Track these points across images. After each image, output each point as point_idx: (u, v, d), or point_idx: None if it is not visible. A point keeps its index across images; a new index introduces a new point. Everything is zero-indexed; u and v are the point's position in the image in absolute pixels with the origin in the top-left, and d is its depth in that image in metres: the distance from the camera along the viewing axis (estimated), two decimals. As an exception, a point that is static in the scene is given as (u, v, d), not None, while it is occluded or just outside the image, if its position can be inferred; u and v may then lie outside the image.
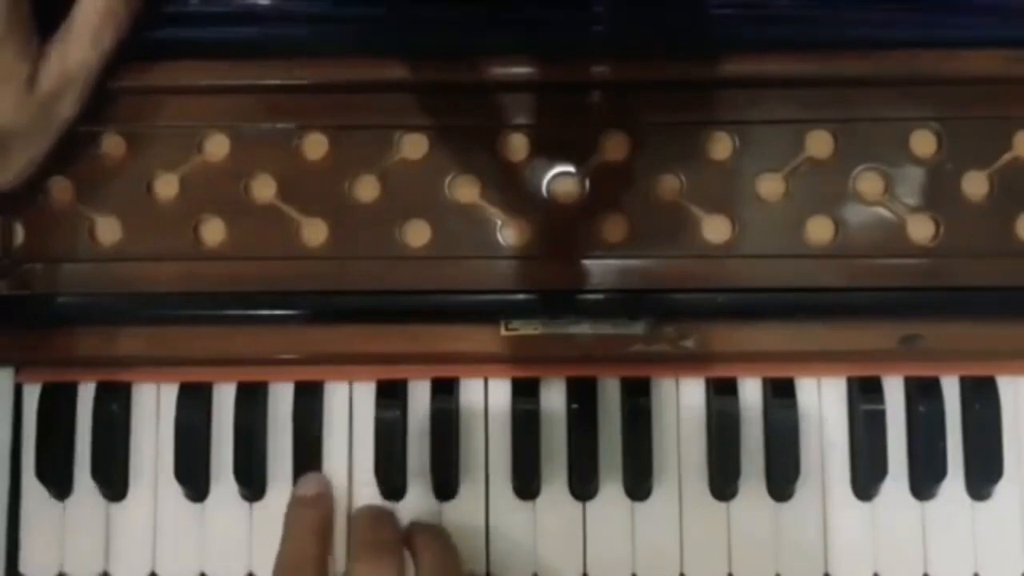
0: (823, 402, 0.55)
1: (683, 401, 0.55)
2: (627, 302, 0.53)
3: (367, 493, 0.55)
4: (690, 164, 0.53)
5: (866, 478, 0.53)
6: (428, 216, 0.53)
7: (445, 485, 0.54)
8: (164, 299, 0.54)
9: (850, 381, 0.54)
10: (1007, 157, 0.53)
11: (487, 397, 0.55)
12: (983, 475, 0.53)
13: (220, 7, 0.54)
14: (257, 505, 0.55)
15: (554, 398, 0.55)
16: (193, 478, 0.55)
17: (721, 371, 0.54)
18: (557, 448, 0.54)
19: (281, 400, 0.55)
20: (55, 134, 0.51)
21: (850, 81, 0.53)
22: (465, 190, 0.54)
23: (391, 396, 0.55)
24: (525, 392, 0.54)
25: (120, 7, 0.50)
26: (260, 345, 0.54)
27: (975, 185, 0.53)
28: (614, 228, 0.53)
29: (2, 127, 0.49)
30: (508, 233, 0.53)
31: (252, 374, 0.55)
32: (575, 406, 0.54)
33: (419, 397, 0.55)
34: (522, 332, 0.53)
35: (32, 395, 0.56)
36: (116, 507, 0.55)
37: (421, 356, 0.54)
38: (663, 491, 0.54)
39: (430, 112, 0.54)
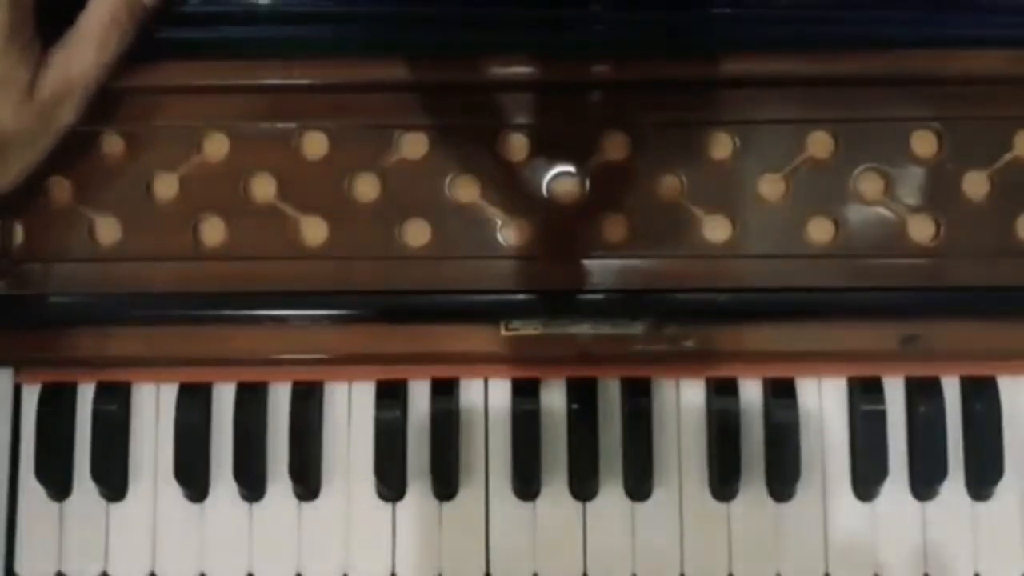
0: (823, 402, 0.55)
1: (683, 401, 0.55)
2: (627, 302, 0.53)
3: (367, 493, 0.55)
4: (691, 164, 0.53)
5: (866, 478, 0.53)
6: (428, 216, 0.53)
7: (445, 485, 0.54)
8: (164, 299, 0.54)
9: (850, 381, 0.54)
10: (1007, 157, 0.53)
11: (487, 397, 0.55)
12: (983, 475, 0.53)
13: (220, 7, 0.54)
14: (257, 505, 0.55)
15: (554, 398, 0.55)
16: (193, 478, 0.55)
17: (721, 371, 0.54)
18: (557, 448, 0.54)
19: (281, 400, 0.55)
20: (53, 140, 0.51)
21: (850, 81, 0.53)
22: (465, 190, 0.54)
23: (391, 396, 0.54)
24: (525, 392, 0.54)
25: (126, 19, 0.51)
26: (260, 345, 0.54)
27: (975, 185, 0.53)
28: (614, 228, 0.53)
29: (1, 132, 0.49)
30: (508, 233, 0.53)
31: (252, 374, 0.55)
32: (575, 406, 0.54)
33: (419, 397, 0.55)
34: (522, 332, 0.53)
35: (31, 395, 0.56)
36: (115, 507, 0.55)
37: (421, 356, 0.54)
38: (663, 491, 0.54)
39: (430, 112, 0.54)
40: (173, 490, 0.55)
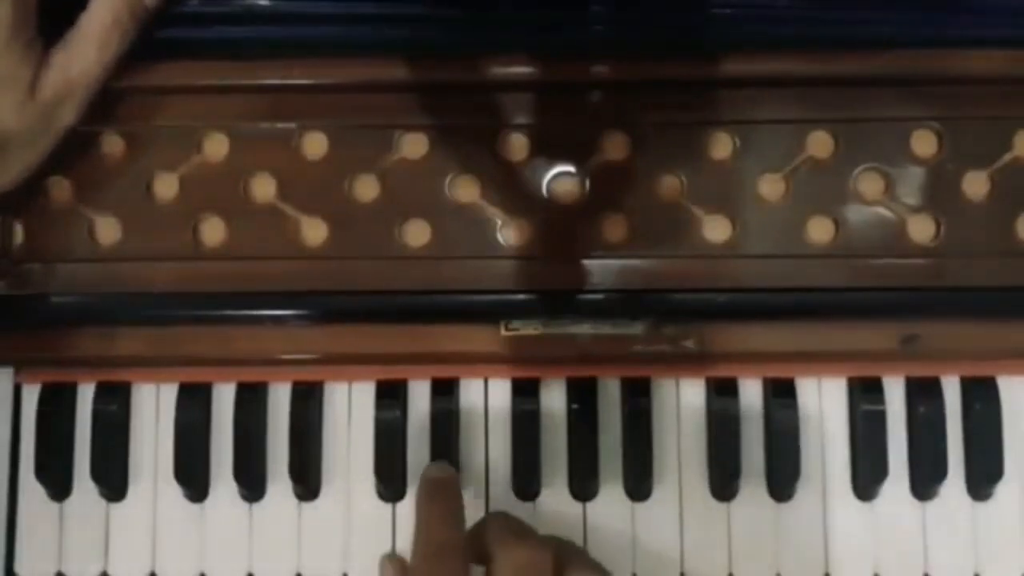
0: (823, 402, 0.55)
1: (683, 401, 0.55)
2: (627, 302, 0.53)
3: (367, 493, 0.55)
4: (690, 164, 0.53)
5: (866, 478, 0.53)
6: (428, 216, 0.53)
7: (445, 485, 0.54)
8: (164, 299, 0.54)
9: (850, 381, 0.54)
10: (1007, 157, 0.53)
11: (487, 397, 0.55)
12: (983, 475, 0.53)
13: (220, 7, 0.54)
14: (256, 505, 0.55)
15: (554, 398, 0.55)
16: (193, 478, 0.55)
17: (721, 371, 0.54)
18: (557, 448, 0.54)
19: (281, 400, 0.55)
20: (54, 140, 0.51)
21: (850, 81, 0.53)
22: (465, 190, 0.54)
23: (391, 396, 0.54)
24: (525, 392, 0.54)
25: (127, 19, 0.51)
26: (260, 345, 0.54)
27: (975, 185, 0.52)
28: (614, 228, 0.53)
29: (2, 131, 0.49)
30: (508, 233, 0.53)
31: (252, 374, 0.55)
32: (575, 406, 0.54)
33: (419, 397, 0.55)
34: (522, 332, 0.53)
35: (31, 395, 0.56)
36: (115, 507, 0.55)
37: (421, 356, 0.54)
38: (663, 491, 0.54)
39: (430, 112, 0.54)
40: (173, 490, 0.55)
